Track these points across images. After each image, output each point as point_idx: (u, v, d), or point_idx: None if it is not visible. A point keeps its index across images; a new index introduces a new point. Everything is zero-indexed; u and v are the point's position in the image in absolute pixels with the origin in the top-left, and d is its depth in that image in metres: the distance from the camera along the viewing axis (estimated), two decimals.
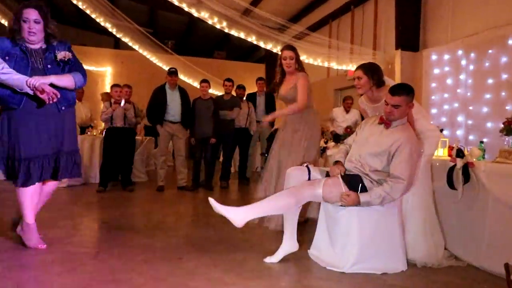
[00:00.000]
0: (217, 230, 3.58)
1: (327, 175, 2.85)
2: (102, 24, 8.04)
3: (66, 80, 2.81)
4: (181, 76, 9.66)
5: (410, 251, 2.79)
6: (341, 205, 2.65)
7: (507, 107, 4.75)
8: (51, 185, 2.98)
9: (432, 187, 3.00)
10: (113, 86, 5.98)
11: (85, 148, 6.16)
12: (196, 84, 8.29)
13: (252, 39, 6.76)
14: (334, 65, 7.52)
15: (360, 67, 3.08)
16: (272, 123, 6.96)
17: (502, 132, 2.96)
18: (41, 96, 2.62)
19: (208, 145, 5.99)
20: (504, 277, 2.05)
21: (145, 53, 9.48)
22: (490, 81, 5.00)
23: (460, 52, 5.47)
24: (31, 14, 2.73)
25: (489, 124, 4.97)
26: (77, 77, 2.87)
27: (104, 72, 11.71)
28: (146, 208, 4.69)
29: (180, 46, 12.90)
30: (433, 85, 5.91)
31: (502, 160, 2.79)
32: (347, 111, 6.50)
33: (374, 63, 3.23)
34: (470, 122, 5.27)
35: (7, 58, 2.68)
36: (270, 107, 6.90)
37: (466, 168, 2.76)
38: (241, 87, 6.69)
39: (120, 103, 5.69)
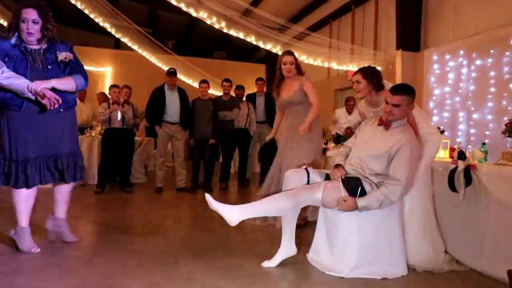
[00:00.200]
0: (214, 233, 3.53)
1: (327, 177, 2.79)
2: (101, 24, 8.00)
3: (67, 83, 2.78)
4: (181, 77, 9.63)
5: (410, 255, 2.73)
6: (338, 209, 2.59)
7: (509, 108, 4.69)
8: (64, 187, 2.96)
9: (432, 191, 2.94)
10: (112, 86, 5.93)
11: (83, 149, 6.09)
12: (196, 85, 8.26)
13: (251, 39, 6.71)
14: (334, 66, 7.47)
15: (359, 71, 3.04)
16: (271, 125, 6.93)
17: (504, 134, 2.90)
18: (42, 101, 2.60)
19: (207, 146, 5.94)
20: (507, 282, 2.00)
21: (144, 53, 9.44)
22: (492, 81, 4.94)
23: (461, 52, 5.41)
24: (30, 14, 2.70)
25: (491, 125, 4.91)
26: (78, 80, 2.84)
27: (104, 72, 11.68)
28: (143, 210, 4.64)
29: (180, 46, 12.85)
30: (434, 85, 5.85)
31: (505, 162, 2.73)
32: (350, 113, 6.43)
33: (373, 67, 3.18)
34: (471, 122, 5.20)
35: (6, 59, 2.65)
36: (270, 108, 6.83)
37: (467, 170, 2.71)
38: (240, 88, 6.64)
39: (118, 104, 5.65)
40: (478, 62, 5.15)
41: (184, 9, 6.13)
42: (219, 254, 2.94)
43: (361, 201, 2.52)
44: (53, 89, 2.66)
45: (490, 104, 4.95)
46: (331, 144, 5.21)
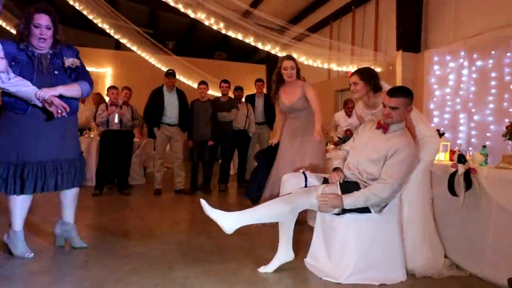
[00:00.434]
0: (211, 237, 3.48)
1: (324, 181, 2.75)
2: (100, 25, 7.97)
3: (74, 90, 2.78)
4: (181, 78, 9.59)
5: (409, 261, 2.68)
6: (337, 214, 2.55)
7: (510, 110, 4.64)
8: (68, 191, 2.93)
9: (431, 195, 2.90)
10: (110, 88, 5.90)
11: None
12: (196, 86, 8.23)
13: (250, 40, 6.67)
14: (334, 67, 7.42)
15: (356, 72, 3.00)
16: (270, 126, 6.89)
17: (505, 137, 2.85)
18: (49, 108, 2.60)
19: (206, 147, 5.90)
20: None
21: (143, 54, 9.40)
22: (493, 82, 4.89)
23: (462, 53, 5.36)
24: (44, 19, 2.68)
25: (492, 127, 4.86)
26: (84, 86, 2.83)
27: (104, 73, 11.63)
28: (141, 212, 4.60)
29: (181, 47, 12.82)
30: (435, 86, 5.81)
31: (505, 166, 2.68)
32: (349, 115, 6.36)
33: (371, 68, 3.14)
34: (472, 124, 5.16)
35: (13, 63, 2.63)
36: (269, 109, 6.80)
37: (467, 174, 2.66)
38: (239, 89, 6.59)
39: (116, 106, 5.62)
40: (479, 63, 5.11)
41: (182, 10, 6.09)
42: (216, 258, 2.90)
43: (347, 197, 2.48)
44: (59, 96, 2.65)
45: (491, 105, 4.91)
46: (330, 146, 5.17)
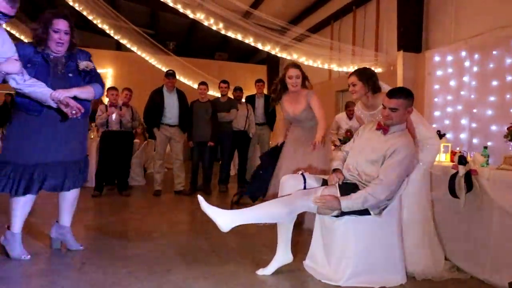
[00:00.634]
0: (209, 239, 3.46)
1: (324, 183, 2.72)
2: (100, 25, 7.95)
3: (87, 92, 2.81)
4: (181, 78, 9.56)
5: (409, 263, 2.64)
6: (336, 216, 2.52)
7: (511, 110, 4.60)
8: (69, 194, 2.93)
9: (431, 197, 2.86)
10: (109, 89, 5.87)
11: None
12: (196, 86, 8.22)
13: (250, 40, 6.64)
14: (334, 67, 7.39)
15: (354, 73, 2.97)
16: (271, 127, 6.86)
17: (506, 138, 2.82)
18: (64, 110, 2.62)
19: (206, 148, 5.88)
20: None
21: (144, 54, 9.39)
22: (494, 83, 4.86)
23: (463, 53, 5.33)
24: (63, 25, 2.72)
25: (493, 127, 4.82)
26: (96, 89, 2.88)
27: (105, 74, 11.61)
28: (140, 214, 4.58)
29: (181, 48, 12.81)
30: (436, 87, 5.77)
31: (507, 167, 2.66)
32: (350, 118, 6.32)
33: (369, 68, 3.11)
34: (474, 125, 5.12)
35: (28, 65, 2.65)
36: (269, 110, 6.77)
37: (468, 175, 2.63)
38: (238, 89, 6.55)
39: (116, 107, 5.60)
40: (480, 63, 5.07)
41: (181, 10, 6.07)
42: (214, 260, 2.88)
43: (344, 199, 2.44)
44: (73, 98, 2.68)
45: (492, 106, 4.86)
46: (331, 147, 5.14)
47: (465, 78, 5.27)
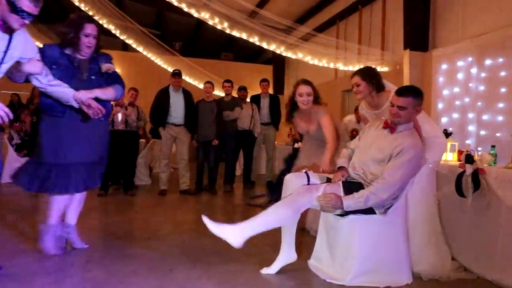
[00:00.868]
0: (213, 238, 3.36)
1: (328, 181, 2.70)
2: (106, 26, 7.99)
3: (109, 93, 2.88)
4: (187, 78, 9.58)
5: (415, 263, 2.62)
6: (340, 215, 2.49)
7: None
8: (79, 194, 2.98)
9: (437, 196, 2.83)
10: None
11: None
12: (202, 86, 8.24)
13: (255, 39, 6.62)
14: (340, 66, 7.35)
15: (357, 73, 2.93)
16: (276, 127, 6.85)
17: None
18: (87, 111, 2.67)
19: (211, 148, 5.87)
20: None
21: (150, 55, 9.41)
22: (502, 81, 4.79)
23: (471, 51, 5.26)
24: (93, 29, 2.80)
25: (501, 125, 4.75)
26: (117, 90, 2.94)
27: None
28: (145, 213, 4.58)
29: (188, 48, 12.84)
30: (443, 86, 5.71)
31: None
32: (359, 122, 6.26)
33: (371, 67, 3.07)
34: (481, 124, 5.05)
35: (54, 66, 2.70)
36: (274, 109, 6.76)
37: (476, 174, 2.59)
38: (242, 89, 6.53)
39: (121, 106, 5.62)
40: (488, 61, 5.01)
41: (186, 9, 6.06)
42: (218, 260, 2.86)
43: (347, 199, 2.42)
44: (95, 99, 2.73)
45: (500, 105, 4.80)
46: None
47: (473, 77, 5.20)
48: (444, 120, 5.61)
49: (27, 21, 2.24)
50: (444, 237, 2.80)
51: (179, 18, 10.45)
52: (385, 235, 2.50)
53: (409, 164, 2.43)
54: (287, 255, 2.66)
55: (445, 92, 5.68)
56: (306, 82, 3.47)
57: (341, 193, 2.47)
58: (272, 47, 6.84)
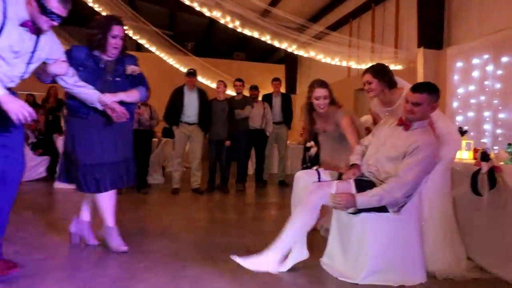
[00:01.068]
0: (225, 235, 3.45)
1: (339, 177, 2.68)
2: None
3: (133, 96, 2.91)
4: (199, 78, 9.61)
5: (429, 262, 2.57)
6: (353, 213, 2.47)
7: None
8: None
9: (452, 194, 2.78)
10: None
11: None
12: (214, 86, 8.28)
13: (266, 38, 6.62)
14: (353, 64, 7.29)
15: (368, 70, 2.89)
16: (288, 126, 6.82)
17: None
18: (111, 114, 2.71)
19: (224, 147, 5.89)
20: None
21: (162, 55, 9.48)
22: None
23: (487, 49, 5.17)
24: (120, 31, 2.83)
25: None
26: (141, 92, 2.97)
27: None
28: (157, 211, 4.62)
29: (200, 48, 12.90)
30: (458, 84, 5.62)
31: None
32: (375, 123, 6.20)
33: (382, 64, 3.02)
34: (498, 122, 4.96)
35: (80, 68, 2.74)
36: (286, 108, 6.74)
37: (492, 172, 2.54)
38: (254, 88, 6.53)
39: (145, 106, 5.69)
40: (504, 59, 4.92)
41: (198, 8, 6.09)
42: (230, 257, 2.85)
43: (360, 196, 2.39)
44: (120, 101, 2.77)
45: None
46: None
47: (489, 75, 5.11)
48: (459, 118, 5.53)
49: (55, 23, 2.26)
50: (459, 236, 2.75)
51: (191, 18, 10.50)
52: (398, 233, 2.47)
53: (424, 162, 2.40)
54: (299, 252, 2.64)
55: (460, 90, 5.60)
56: (322, 84, 3.31)
57: (353, 189, 2.45)
58: (284, 45, 6.82)
